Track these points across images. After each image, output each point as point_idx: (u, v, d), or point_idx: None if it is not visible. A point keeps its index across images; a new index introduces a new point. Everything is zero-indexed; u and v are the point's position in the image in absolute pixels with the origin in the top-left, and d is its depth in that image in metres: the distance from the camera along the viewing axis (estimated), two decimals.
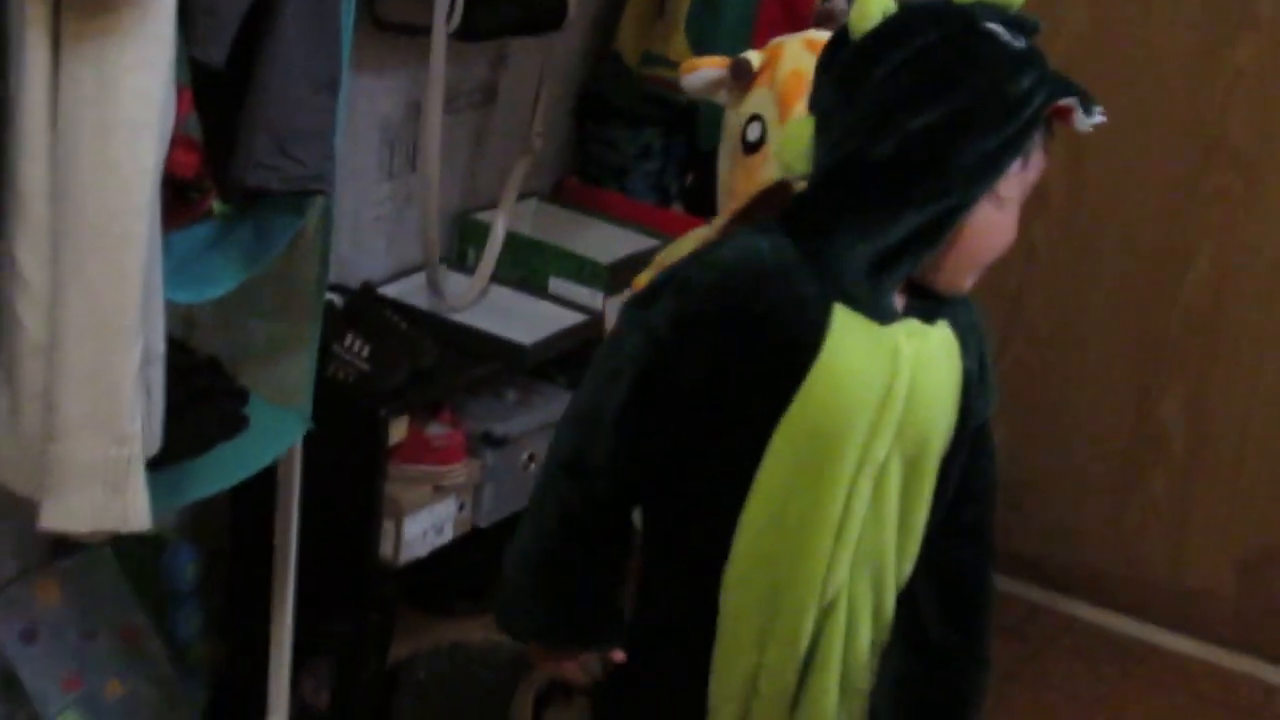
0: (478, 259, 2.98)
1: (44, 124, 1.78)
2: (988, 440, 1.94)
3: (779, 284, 1.72)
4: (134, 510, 1.92)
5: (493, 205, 3.05)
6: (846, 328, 1.72)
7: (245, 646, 2.63)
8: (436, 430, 2.67)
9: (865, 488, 1.77)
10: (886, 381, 1.74)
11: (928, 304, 1.80)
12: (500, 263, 2.99)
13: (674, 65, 2.81)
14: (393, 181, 2.97)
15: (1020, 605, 3.58)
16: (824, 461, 1.75)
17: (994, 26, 1.68)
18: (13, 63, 1.78)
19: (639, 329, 1.80)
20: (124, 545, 2.55)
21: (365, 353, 2.53)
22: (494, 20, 2.77)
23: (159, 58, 1.79)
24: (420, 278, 2.91)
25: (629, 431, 1.80)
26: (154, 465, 2.08)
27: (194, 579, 2.62)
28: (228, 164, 2.02)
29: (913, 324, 1.77)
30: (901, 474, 1.81)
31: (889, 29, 1.70)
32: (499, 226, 3.00)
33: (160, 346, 1.98)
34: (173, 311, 2.17)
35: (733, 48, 2.49)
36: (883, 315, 1.74)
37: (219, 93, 2.00)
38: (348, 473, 2.56)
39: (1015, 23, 1.71)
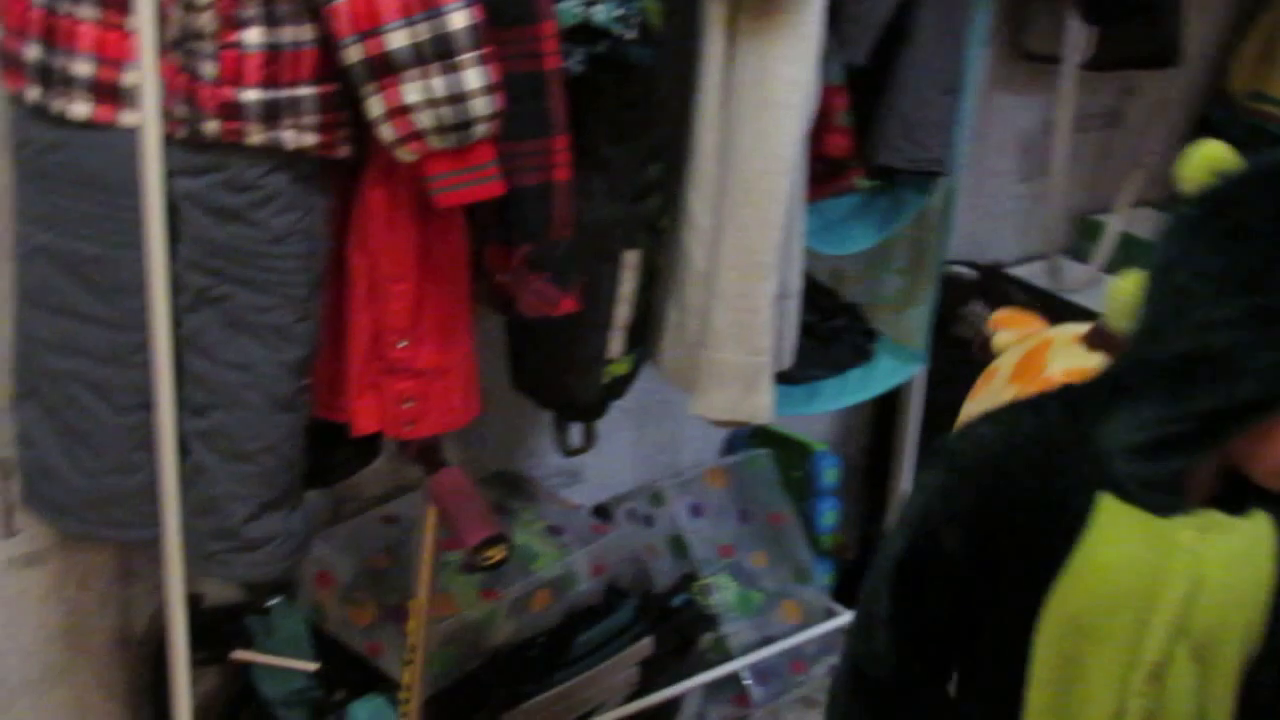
0: (1093, 252, 3.46)
1: (717, 101, 2.29)
2: None
3: (1041, 468, 1.59)
4: (761, 407, 2.42)
5: (1110, 209, 3.56)
6: (1113, 518, 1.56)
7: (868, 540, 3.13)
8: None
9: (1140, 685, 1.60)
10: (1158, 578, 1.57)
11: (1245, 494, 1.56)
12: (1113, 259, 3.42)
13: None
14: (1026, 183, 3.54)
15: None
16: (1089, 655, 1.61)
17: None
18: (699, 54, 2.30)
19: (920, 491, 1.70)
20: (780, 450, 3.11)
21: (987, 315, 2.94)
22: (1117, 55, 3.20)
23: (807, 53, 2.25)
24: (1042, 264, 3.48)
25: (904, 598, 1.67)
26: (795, 380, 2.60)
27: (834, 481, 3.15)
28: (866, 146, 2.47)
29: (1211, 516, 1.56)
30: (1195, 676, 1.62)
31: (1212, 195, 1.44)
32: (1114, 227, 3.47)
33: (797, 284, 2.45)
34: (823, 264, 2.69)
35: None
36: (1161, 506, 1.55)
37: (865, 89, 2.45)
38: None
39: None
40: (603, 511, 2.96)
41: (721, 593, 3.00)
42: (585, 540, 2.75)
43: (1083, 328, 1.98)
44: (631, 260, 2.26)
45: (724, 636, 2.96)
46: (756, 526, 3.13)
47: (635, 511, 3.06)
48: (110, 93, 1.93)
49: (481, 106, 1.84)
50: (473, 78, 1.82)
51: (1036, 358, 2.00)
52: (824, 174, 2.47)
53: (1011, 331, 2.12)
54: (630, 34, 2.09)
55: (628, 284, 2.27)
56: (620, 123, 2.18)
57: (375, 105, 1.85)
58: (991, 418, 1.66)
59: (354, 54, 1.83)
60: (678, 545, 3.03)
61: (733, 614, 2.99)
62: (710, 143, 2.30)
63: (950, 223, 2.65)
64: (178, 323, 2.01)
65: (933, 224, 2.64)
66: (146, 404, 2.06)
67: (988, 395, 2.04)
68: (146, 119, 1.90)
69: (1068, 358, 1.95)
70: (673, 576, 2.99)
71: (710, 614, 2.94)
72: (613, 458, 3.14)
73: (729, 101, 2.28)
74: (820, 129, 2.40)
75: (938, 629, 1.68)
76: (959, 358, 2.80)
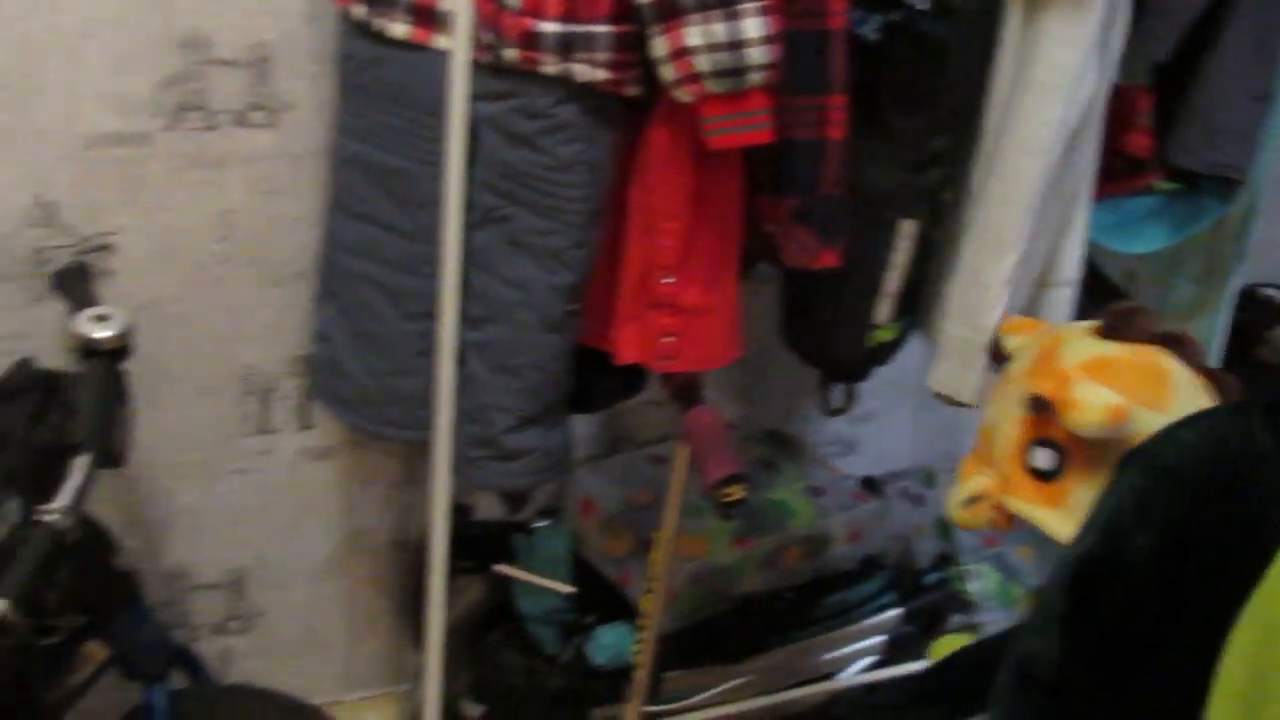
0: None
1: (1009, 81, 2.30)
2: None
3: (1241, 476, 1.54)
4: (970, 387, 2.39)
5: None
6: None
7: None
8: None
9: None
10: None
11: None
12: None
13: None
14: None
15: None
16: None
17: None
18: (996, 33, 2.31)
19: (1113, 493, 1.64)
20: None
21: None
22: None
23: (1080, 38, 2.21)
24: None
25: (1081, 599, 1.63)
26: None
27: None
28: (1166, 146, 2.44)
29: None
30: None
31: None
32: None
33: (1072, 274, 2.44)
34: (1119, 265, 2.66)
35: None
36: None
37: (1170, 88, 2.42)
38: None
39: None
40: (871, 484, 3.00)
41: (982, 580, 3.00)
42: (845, 506, 2.80)
43: (1092, 323, 2.04)
44: (908, 229, 2.30)
45: (978, 624, 2.97)
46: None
47: (907, 490, 3.09)
48: (427, 15, 2.08)
49: (758, 55, 1.92)
50: (752, 26, 1.91)
51: (1050, 353, 2.01)
52: (1123, 171, 2.46)
53: (1021, 336, 2.15)
54: (924, 5, 2.13)
55: (901, 252, 2.31)
56: (910, 93, 2.23)
57: (659, 46, 1.95)
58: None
59: None
60: (943, 528, 3.05)
61: (991, 603, 2.99)
62: (993, 119, 2.31)
63: (1248, 235, 2.58)
64: (465, 239, 2.16)
65: (1230, 234, 2.58)
66: (430, 313, 2.21)
67: (1004, 396, 2.06)
68: (457, 42, 2.05)
69: (1080, 350, 1.99)
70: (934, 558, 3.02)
71: (965, 598, 2.96)
72: (890, 435, 3.18)
73: (1016, 81, 2.29)
74: (1121, 126, 2.40)
75: (1110, 635, 1.62)
76: (1263, 381, 2.76)
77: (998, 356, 2.17)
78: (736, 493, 2.14)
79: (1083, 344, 2.01)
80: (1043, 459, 1.98)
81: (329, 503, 2.74)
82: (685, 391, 2.29)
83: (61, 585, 2.02)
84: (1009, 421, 2.01)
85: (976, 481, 2.04)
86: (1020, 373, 2.05)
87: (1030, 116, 2.23)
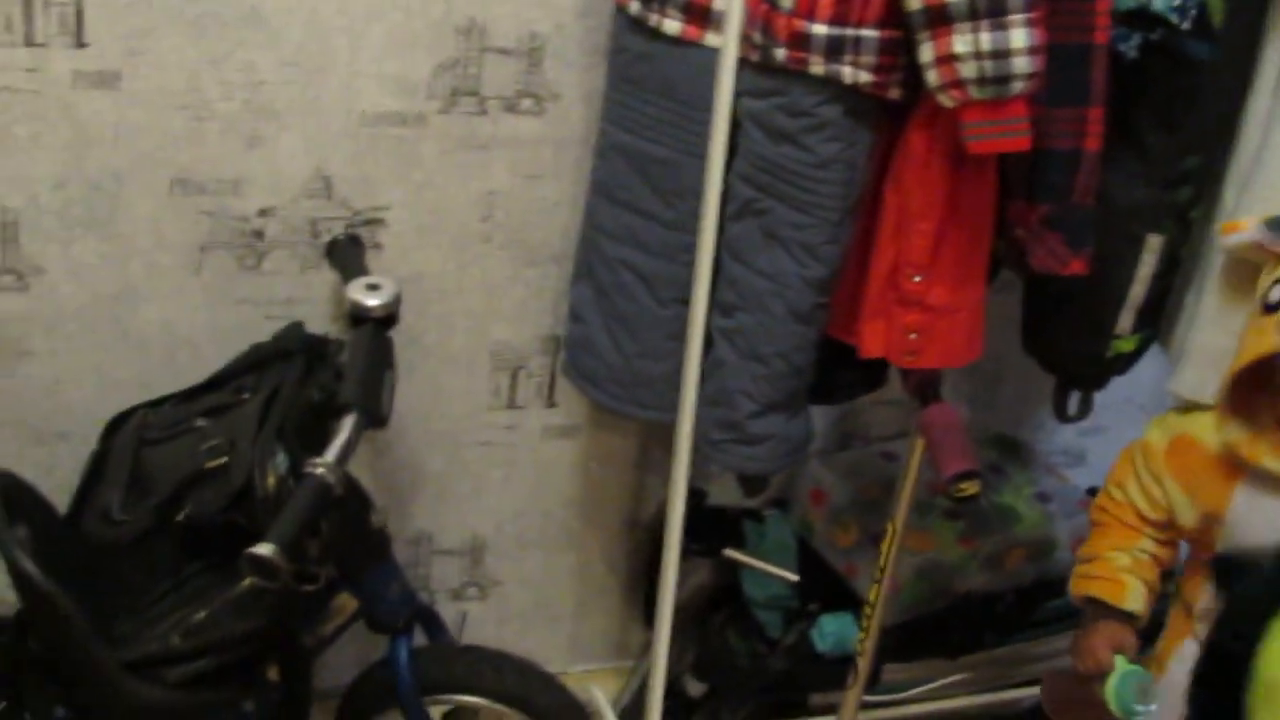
0: None
1: (1267, 106, 2.27)
2: None
3: None
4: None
5: None
6: None
7: None
8: None
9: None
10: None
11: None
12: None
13: None
14: None
15: None
16: None
17: None
18: (1258, 57, 2.30)
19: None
20: None
21: None
22: None
23: None
24: None
25: None
26: None
27: None
28: None
29: None
30: None
31: None
32: None
33: None
34: None
35: None
36: None
37: None
38: None
39: None
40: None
41: None
42: (1071, 514, 2.82)
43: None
44: (1154, 244, 2.32)
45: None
46: None
47: None
48: (700, 14, 2.17)
49: (1022, 65, 1.97)
50: (1018, 37, 1.95)
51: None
52: None
53: None
54: (1186, 25, 2.15)
55: (1147, 265, 2.33)
56: (1166, 111, 2.24)
57: (926, 51, 2.01)
58: None
59: (915, 2, 1.99)
60: None
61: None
62: (1253, 142, 2.32)
63: None
64: (721, 229, 2.24)
65: None
66: (683, 299, 2.30)
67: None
68: (728, 40, 2.12)
69: None
70: None
71: None
72: (1119, 449, 3.18)
73: (1277, 107, 2.29)
74: None
75: None
76: None
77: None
78: (971, 488, 2.18)
79: None
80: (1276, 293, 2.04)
81: (568, 479, 2.85)
82: (924, 388, 2.34)
83: (323, 536, 2.15)
84: None
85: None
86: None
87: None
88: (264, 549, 1.88)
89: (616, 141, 2.32)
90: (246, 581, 2.08)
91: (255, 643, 2.17)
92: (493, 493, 2.82)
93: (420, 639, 2.45)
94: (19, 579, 2.09)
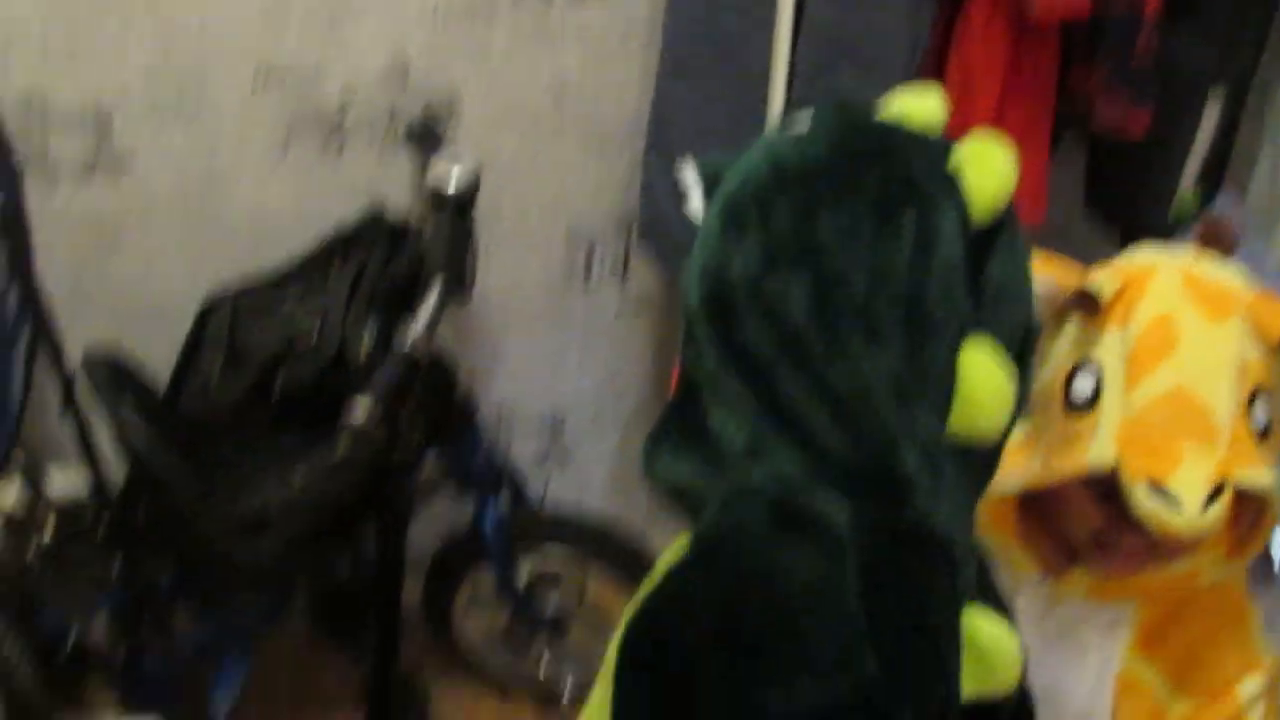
0: None
1: None
2: None
3: None
4: None
5: None
6: None
7: None
8: None
9: None
10: None
11: None
12: None
13: None
14: None
15: None
16: None
17: None
18: None
19: None
20: None
21: None
22: None
23: None
24: None
25: None
26: None
27: None
28: None
29: None
30: None
31: None
32: None
33: None
34: None
35: None
36: None
37: None
38: None
39: None
40: None
41: None
42: None
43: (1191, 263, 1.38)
44: (1214, 103, 2.36)
45: None
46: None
47: None
48: None
49: None
50: None
51: (1131, 293, 1.36)
52: None
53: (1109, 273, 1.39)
54: None
55: (1209, 122, 2.38)
56: None
57: None
58: None
59: None
60: None
61: None
62: None
63: None
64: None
65: None
66: None
67: (1208, 344, 1.35)
68: None
69: (1166, 300, 1.34)
70: None
71: None
72: None
73: None
74: None
75: None
76: None
77: (1086, 303, 1.39)
78: None
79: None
80: (1262, 414, 1.36)
81: (641, 355, 2.93)
82: None
83: (413, 402, 2.25)
84: (1222, 375, 1.31)
85: (1208, 462, 1.28)
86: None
87: None
88: (358, 414, 1.98)
89: (691, 14, 2.38)
90: (341, 447, 2.18)
91: (351, 505, 2.28)
92: (570, 368, 2.91)
93: (505, 504, 2.56)
94: (127, 450, 2.20)
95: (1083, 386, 1.36)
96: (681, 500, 1.08)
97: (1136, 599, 1.42)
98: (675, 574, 1.02)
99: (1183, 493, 1.24)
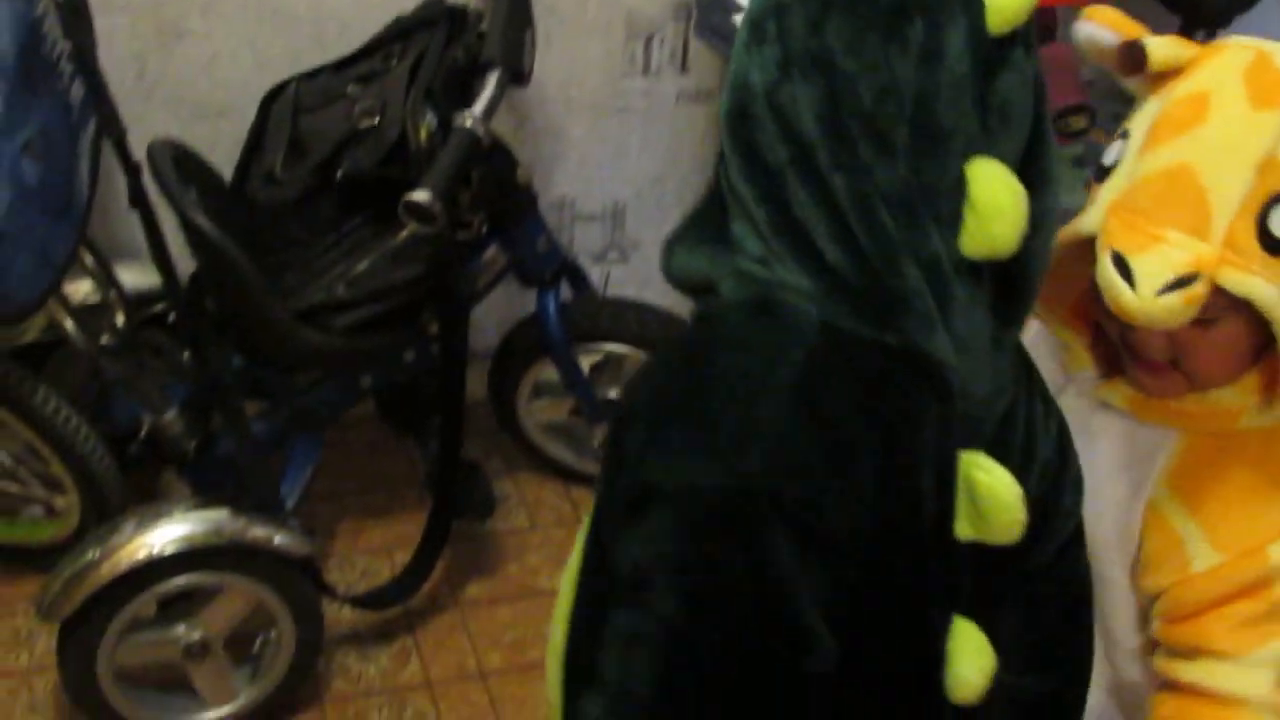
0: None
1: None
2: None
3: None
4: None
5: None
6: None
7: None
8: None
9: None
10: None
11: None
12: None
13: None
14: None
15: None
16: None
17: None
18: None
19: None
20: None
21: None
22: None
23: None
24: None
25: None
26: None
27: None
28: None
29: None
30: None
31: None
32: None
33: None
34: None
35: None
36: None
37: None
38: None
39: None
40: None
41: None
42: None
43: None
44: None
45: None
46: None
47: None
48: None
49: None
50: None
51: (1186, 69, 1.31)
52: None
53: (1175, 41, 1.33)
54: None
55: None
56: None
57: None
58: None
59: None
60: None
61: None
62: None
63: None
64: None
65: None
66: None
67: (1224, 123, 1.27)
68: None
69: (1215, 77, 1.28)
70: None
71: None
72: None
73: None
74: None
75: None
76: None
77: (1131, 60, 1.33)
78: (1078, 123, 2.23)
79: None
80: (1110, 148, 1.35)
81: (702, 143, 2.93)
82: (1042, 30, 2.37)
83: (473, 187, 2.27)
84: (1238, 163, 1.24)
85: (1185, 252, 1.23)
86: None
87: None
88: (421, 195, 2.00)
89: None
90: (405, 231, 2.21)
91: (414, 291, 2.31)
92: (630, 158, 2.92)
93: (566, 294, 2.59)
94: (194, 237, 2.23)
95: (1110, 154, 1.33)
96: (695, 293, 1.14)
97: (1176, 429, 1.41)
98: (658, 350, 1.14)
99: (1141, 271, 1.22)
